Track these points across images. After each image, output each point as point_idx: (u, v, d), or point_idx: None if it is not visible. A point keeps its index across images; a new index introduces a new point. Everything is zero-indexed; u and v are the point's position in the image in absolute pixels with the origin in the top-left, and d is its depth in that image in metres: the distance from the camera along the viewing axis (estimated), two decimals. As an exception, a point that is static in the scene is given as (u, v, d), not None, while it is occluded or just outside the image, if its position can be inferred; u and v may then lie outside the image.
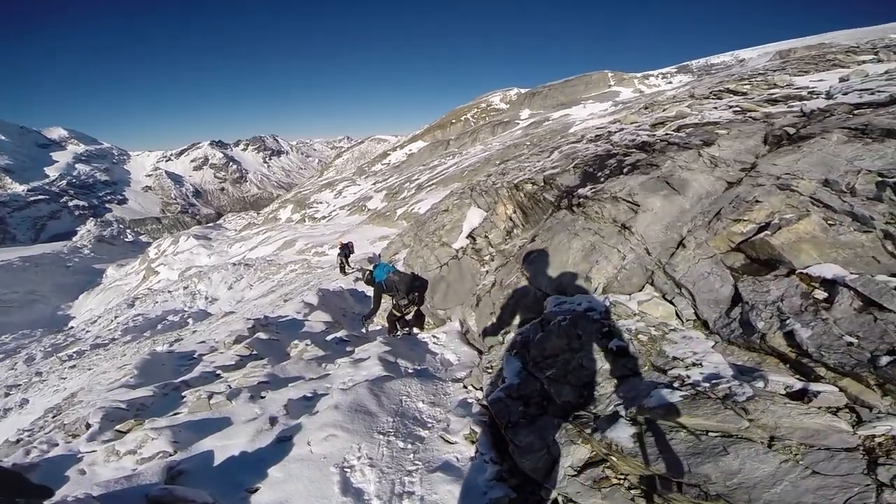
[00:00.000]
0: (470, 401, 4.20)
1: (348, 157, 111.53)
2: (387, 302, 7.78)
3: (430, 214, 11.27)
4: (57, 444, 4.46)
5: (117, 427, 4.37)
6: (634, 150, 5.43)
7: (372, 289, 7.89)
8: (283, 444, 3.46)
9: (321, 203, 59.63)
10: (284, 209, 63.41)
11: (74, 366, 19.58)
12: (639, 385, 2.95)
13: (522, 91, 70.21)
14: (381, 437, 3.57)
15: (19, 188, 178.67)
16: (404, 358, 5.41)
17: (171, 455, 3.57)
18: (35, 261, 56.14)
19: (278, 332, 8.98)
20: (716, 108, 7.11)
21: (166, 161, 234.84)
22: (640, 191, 4.20)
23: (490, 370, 4.10)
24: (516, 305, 4.29)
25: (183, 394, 5.65)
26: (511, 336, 3.99)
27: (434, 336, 7.03)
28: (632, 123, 8.12)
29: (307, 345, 7.00)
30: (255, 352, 7.45)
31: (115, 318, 31.32)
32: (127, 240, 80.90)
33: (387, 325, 7.66)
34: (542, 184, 6.18)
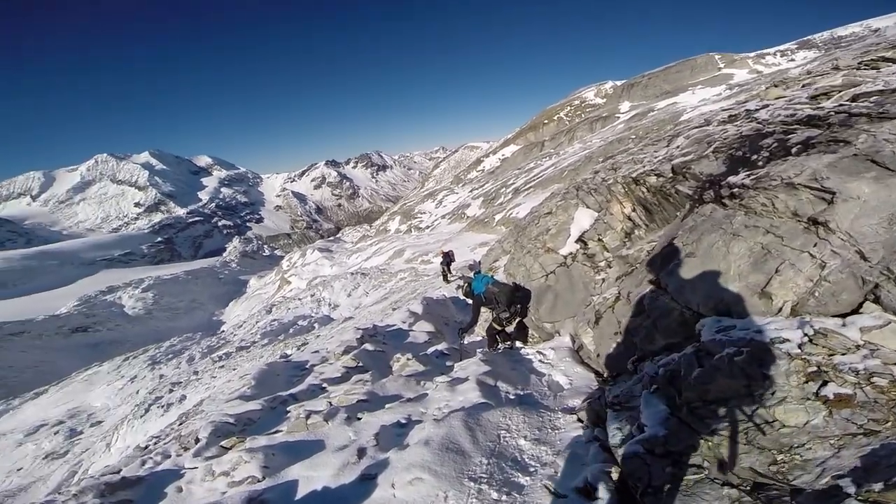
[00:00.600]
0: (587, 440, 3.34)
1: (445, 166, 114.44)
2: (486, 313, 7.17)
3: (532, 218, 10.42)
4: (169, 457, 4.62)
5: (222, 443, 4.36)
6: (798, 126, 4.06)
7: (471, 300, 7.35)
8: (366, 484, 3.00)
9: (424, 213, 61.50)
10: (393, 221, 66.61)
11: (223, 366, 22.34)
12: (878, 450, 1.89)
13: (618, 83, 65.09)
14: (472, 484, 2.90)
15: (181, 211, 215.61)
16: (505, 380, 4.69)
17: (258, 480, 3.35)
18: (195, 274, 66.79)
19: (385, 343, 8.91)
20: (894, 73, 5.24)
21: (291, 182, 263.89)
22: (832, 174, 2.94)
23: (618, 407, 3.19)
24: (653, 327, 3.31)
25: (288, 408, 5.62)
26: (648, 366, 3.04)
27: (540, 352, 6.20)
28: (777, 98, 6.42)
29: (408, 359, 6.67)
30: (360, 363, 7.36)
31: (257, 322, 35.38)
32: (265, 254, 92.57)
33: (486, 337, 7.01)
34: (672, 174, 5.02)
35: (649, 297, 3.40)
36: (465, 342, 7.58)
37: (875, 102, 3.85)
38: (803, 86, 6.74)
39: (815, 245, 2.66)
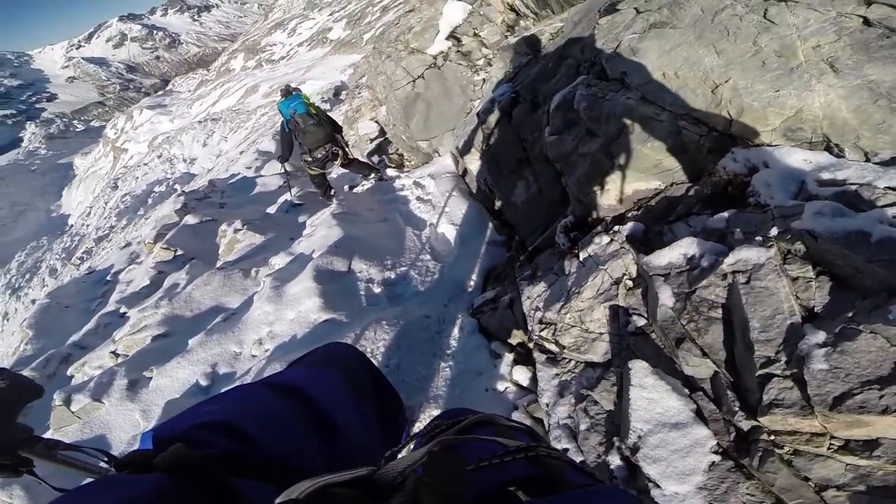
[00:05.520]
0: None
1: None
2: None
3: (392, 20, 7.39)
4: None
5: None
6: None
7: None
8: None
9: (275, 45, 49.70)
10: (235, 59, 53.46)
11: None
12: None
13: None
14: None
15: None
16: (366, 253, 2.70)
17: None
18: (-2, 175, 49.03)
19: (222, 205, 6.27)
20: None
21: (76, 49, 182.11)
22: None
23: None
24: (606, 157, 1.42)
25: (69, 372, 3.34)
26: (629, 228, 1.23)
27: (418, 184, 4.28)
28: None
29: (237, 230, 4.31)
30: (179, 251, 4.87)
31: (106, 203, 28.13)
32: (78, 129, 69.87)
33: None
34: None
35: (588, 100, 1.41)
36: (290, 182, 5.49)
37: None
38: None
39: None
